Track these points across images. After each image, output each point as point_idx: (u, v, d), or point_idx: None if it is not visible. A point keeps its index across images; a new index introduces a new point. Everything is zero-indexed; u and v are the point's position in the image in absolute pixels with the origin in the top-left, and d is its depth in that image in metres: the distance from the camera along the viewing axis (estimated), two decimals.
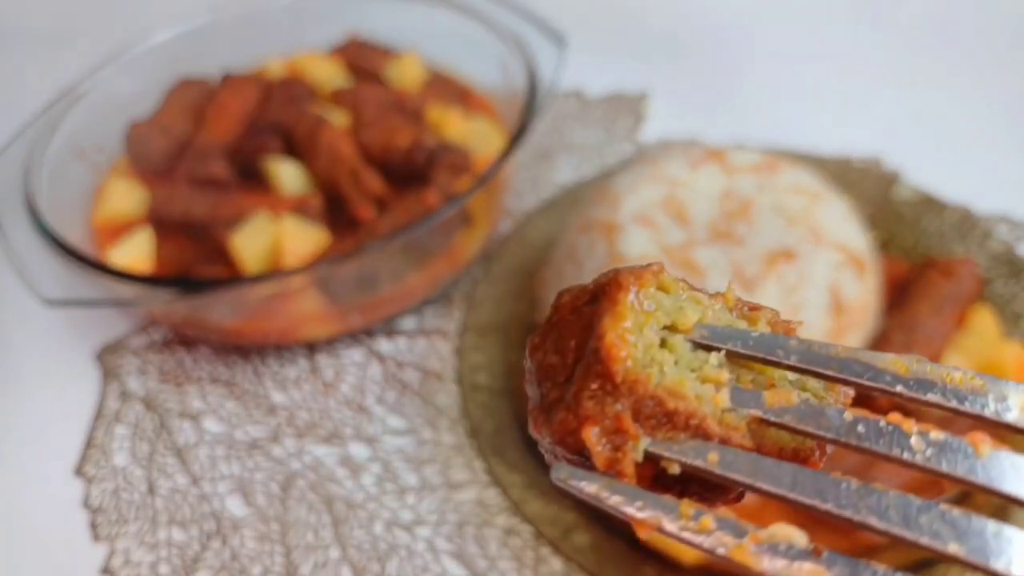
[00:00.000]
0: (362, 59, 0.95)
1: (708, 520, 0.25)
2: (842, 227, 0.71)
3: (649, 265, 0.30)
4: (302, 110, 0.83)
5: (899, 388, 0.26)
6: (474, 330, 0.74)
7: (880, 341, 0.68)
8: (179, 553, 0.64)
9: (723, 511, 0.25)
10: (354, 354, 0.78)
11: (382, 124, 0.82)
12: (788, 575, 0.23)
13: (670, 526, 0.25)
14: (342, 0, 0.99)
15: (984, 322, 0.69)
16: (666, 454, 0.27)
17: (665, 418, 0.27)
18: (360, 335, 0.79)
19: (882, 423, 0.25)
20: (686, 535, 0.25)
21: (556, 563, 0.61)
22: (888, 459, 0.25)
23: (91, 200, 0.84)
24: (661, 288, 0.30)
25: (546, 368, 0.30)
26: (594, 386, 0.28)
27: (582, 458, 0.28)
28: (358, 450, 0.70)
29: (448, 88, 0.94)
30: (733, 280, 0.66)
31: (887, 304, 0.72)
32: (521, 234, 0.83)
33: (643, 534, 0.26)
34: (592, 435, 0.27)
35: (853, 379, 0.27)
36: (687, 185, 0.73)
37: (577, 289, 0.31)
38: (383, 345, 0.78)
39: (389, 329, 0.80)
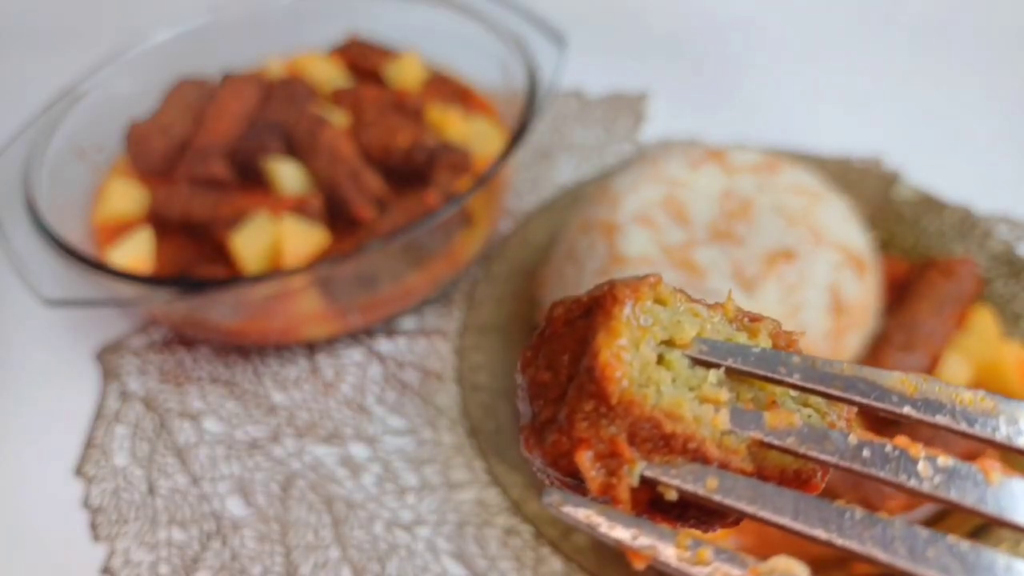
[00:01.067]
0: (362, 59, 0.95)
1: (706, 552, 0.24)
2: (842, 227, 0.71)
3: (646, 276, 0.29)
4: (302, 110, 0.83)
5: (906, 409, 0.25)
6: (474, 330, 0.74)
7: (880, 341, 0.68)
8: (179, 553, 0.64)
9: (721, 542, 0.25)
10: (354, 354, 0.78)
11: (382, 124, 0.82)
12: None
13: (666, 557, 0.24)
14: (342, 0, 0.99)
15: (984, 322, 0.69)
16: (663, 479, 0.26)
17: (662, 441, 0.26)
18: (360, 335, 0.79)
19: (888, 447, 0.24)
20: (683, 567, 0.24)
21: (556, 563, 0.61)
22: (894, 486, 0.24)
23: (91, 200, 0.84)
24: (658, 300, 0.29)
25: (538, 384, 0.29)
26: (588, 407, 0.27)
27: (576, 481, 0.27)
28: (358, 450, 0.70)
29: (448, 88, 0.94)
30: (733, 280, 0.66)
31: (887, 304, 0.72)
32: (521, 234, 0.83)
33: (639, 564, 0.25)
34: (586, 459, 0.26)
35: (858, 399, 0.26)
36: (687, 185, 0.73)
37: (571, 301, 0.30)
38: (383, 345, 0.78)
39: (389, 329, 0.80)
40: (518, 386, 0.30)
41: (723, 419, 0.27)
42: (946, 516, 0.59)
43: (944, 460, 0.24)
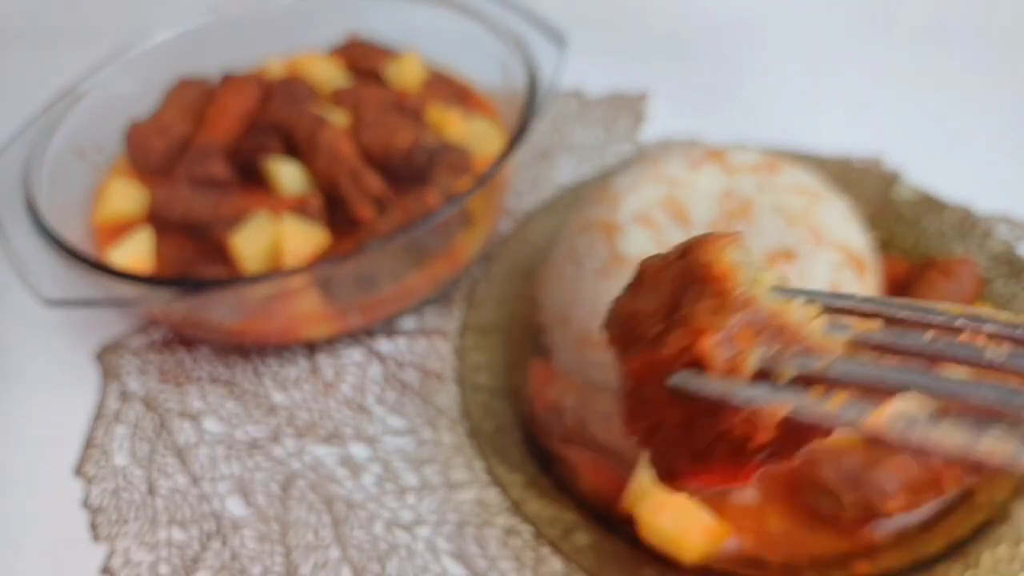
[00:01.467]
0: (362, 59, 0.95)
1: (836, 400, 0.28)
2: (842, 227, 0.71)
3: (729, 232, 0.34)
4: (302, 110, 0.83)
5: (959, 322, 0.30)
6: (474, 330, 0.74)
7: None
8: (179, 553, 0.64)
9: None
10: (354, 354, 0.78)
11: (382, 124, 0.82)
12: (918, 438, 0.26)
13: (805, 410, 0.28)
14: (342, 0, 0.99)
15: None
16: (779, 362, 0.29)
17: (775, 333, 0.30)
18: (360, 335, 0.79)
19: (957, 340, 0.29)
20: (823, 411, 0.28)
21: (556, 563, 0.61)
22: (966, 363, 0.29)
23: (91, 200, 0.84)
24: None
25: (640, 316, 0.33)
26: (708, 304, 0.30)
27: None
28: (358, 450, 0.70)
29: (448, 88, 0.94)
30: None
31: None
32: (521, 234, 0.83)
33: (780, 414, 0.28)
34: (710, 342, 0.29)
35: (920, 318, 0.31)
36: (687, 185, 0.73)
37: (661, 255, 0.35)
38: (383, 345, 0.78)
39: (389, 329, 0.80)
40: (608, 326, 0.34)
41: (819, 324, 0.31)
42: (945, 517, 0.59)
43: (1004, 347, 0.29)
